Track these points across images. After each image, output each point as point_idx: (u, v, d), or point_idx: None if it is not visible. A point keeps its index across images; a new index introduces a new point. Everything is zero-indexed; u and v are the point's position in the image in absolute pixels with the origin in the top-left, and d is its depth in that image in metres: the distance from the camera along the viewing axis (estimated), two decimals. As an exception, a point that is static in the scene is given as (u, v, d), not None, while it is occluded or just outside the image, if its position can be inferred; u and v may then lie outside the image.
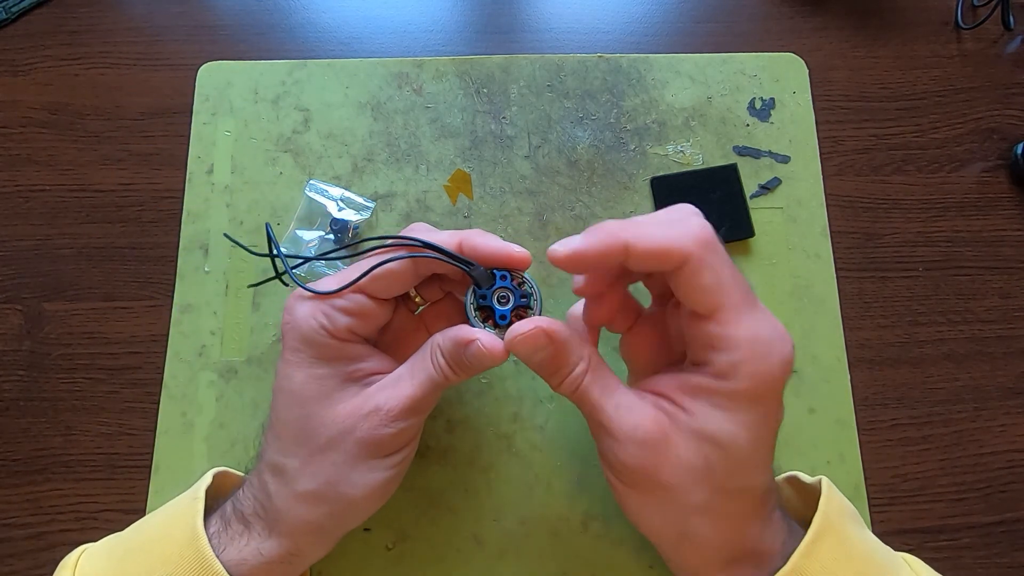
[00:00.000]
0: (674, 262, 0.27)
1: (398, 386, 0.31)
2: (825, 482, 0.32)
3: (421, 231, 0.32)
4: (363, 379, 0.32)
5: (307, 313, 0.31)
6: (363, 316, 0.31)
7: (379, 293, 0.31)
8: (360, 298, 0.31)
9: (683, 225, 0.28)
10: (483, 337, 0.30)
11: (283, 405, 0.31)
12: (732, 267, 0.28)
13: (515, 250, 0.31)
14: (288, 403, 0.31)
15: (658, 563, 0.38)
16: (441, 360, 0.31)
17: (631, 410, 0.29)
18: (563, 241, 0.28)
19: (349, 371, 0.31)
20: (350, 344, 0.31)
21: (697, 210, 0.29)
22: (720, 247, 0.28)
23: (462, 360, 0.30)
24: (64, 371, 0.42)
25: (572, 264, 0.28)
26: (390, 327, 0.35)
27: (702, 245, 0.27)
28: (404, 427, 0.30)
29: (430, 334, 0.32)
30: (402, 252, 0.31)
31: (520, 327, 0.30)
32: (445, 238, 0.31)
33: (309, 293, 0.31)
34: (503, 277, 0.32)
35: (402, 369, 0.32)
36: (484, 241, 0.31)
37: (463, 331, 0.30)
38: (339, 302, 0.31)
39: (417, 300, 0.35)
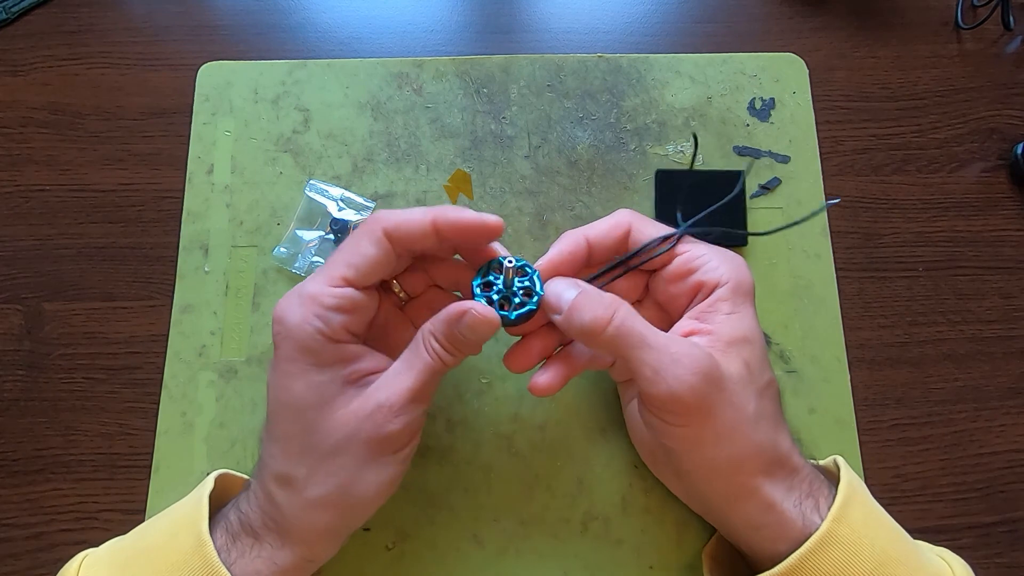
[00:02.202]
0: (622, 229, 0.35)
1: (395, 380, 0.31)
2: (840, 459, 0.33)
3: (390, 215, 0.32)
4: (360, 380, 0.32)
5: (300, 319, 0.30)
6: (355, 311, 0.31)
7: (361, 280, 0.31)
8: (349, 291, 0.31)
9: (614, 214, 0.35)
10: (476, 305, 0.31)
11: (283, 416, 0.31)
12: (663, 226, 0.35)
13: (489, 219, 0.32)
14: (288, 414, 0.31)
15: (658, 563, 0.38)
16: (435, 344, 0.31)
17: (678, 341, 0.31)
18: (541, 258, 0.34)
19: (346, 374, 0.31)
20: (346, 345, 0.31)
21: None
22: (646, 216, 0.35)
23: (456, 336, 0.31)
24: (64, 371, 0.42)
25: (553, 268, 0.34)
26: (376, 323, 0.35)
27: (634, 216, 0.35)
28: (408, 420, 0.31)
29: (416, 327, 0.33)
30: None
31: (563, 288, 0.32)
32: (419, 215, 0.31)
33: (296, 299, 0.31)
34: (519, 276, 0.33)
35: (397, 365, 0.32)
36: (458, 215, 0.32)
37: (454, 306, 0.31)
38: (329, 300, 0.30)
39: (401, 295, 0.36)
